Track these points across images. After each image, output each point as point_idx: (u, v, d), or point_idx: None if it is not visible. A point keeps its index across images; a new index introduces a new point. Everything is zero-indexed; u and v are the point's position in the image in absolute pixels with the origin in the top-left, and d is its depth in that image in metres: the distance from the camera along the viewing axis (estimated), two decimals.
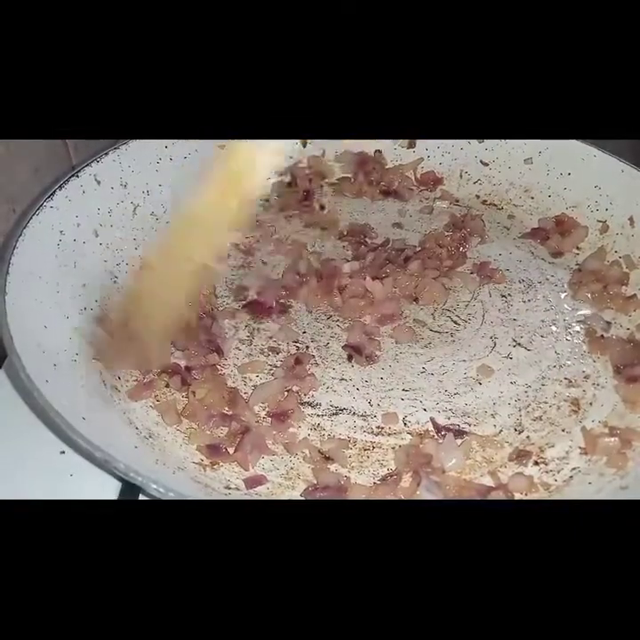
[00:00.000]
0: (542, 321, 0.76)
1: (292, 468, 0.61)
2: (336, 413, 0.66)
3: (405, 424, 0.65)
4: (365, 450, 0.63)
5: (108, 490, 0.61)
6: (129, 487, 0.61)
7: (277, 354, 0.71)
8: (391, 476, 0.60)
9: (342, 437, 0.63)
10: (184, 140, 0.91)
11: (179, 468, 0.59)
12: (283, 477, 0.60)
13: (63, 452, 0.64)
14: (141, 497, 0.60)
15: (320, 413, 0.66)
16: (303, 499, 0.58)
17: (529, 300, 0.79)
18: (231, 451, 0.61)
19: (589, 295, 0.78)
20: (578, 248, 0.86)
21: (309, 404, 0.67)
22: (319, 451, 0.61)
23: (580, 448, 0.63)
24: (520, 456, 0.61)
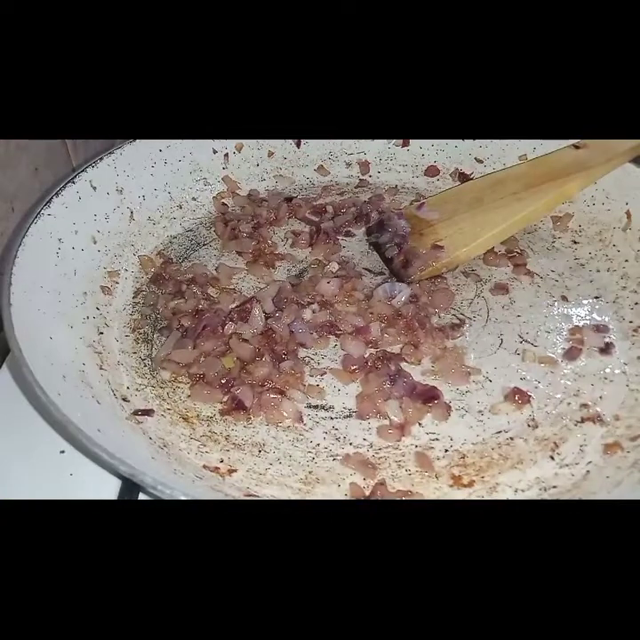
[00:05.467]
0: (546, 317, 0.77)
1: (310, 473, 0.61)
2: (349, 416, 0.66)
3: (420, 425, 0.65)
4: (381, 449, 0.63)
5: (108, 489, 0.61)
6: (128, 486, 0.60)
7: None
8: None
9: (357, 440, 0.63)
10: (178, 143, 0.90)
11: (197, 477, 0.59)
12: (301, 482, 0.60)
13: (63, 452, 0.63)
14: (141, 496, 0.60)
15: (334, 416, 0.66)
16: (306, 499, 0.58)
17: (531, 296, 0.80)
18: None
19: None
20: (576, 242, 0.87)
21: (323, 407, 0.66)
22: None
23: (593, 442, 0.63)
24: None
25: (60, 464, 0.63)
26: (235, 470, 0.61)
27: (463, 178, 0.97)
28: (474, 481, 0.60)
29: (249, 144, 0.96)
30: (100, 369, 0.68)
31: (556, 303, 0.79)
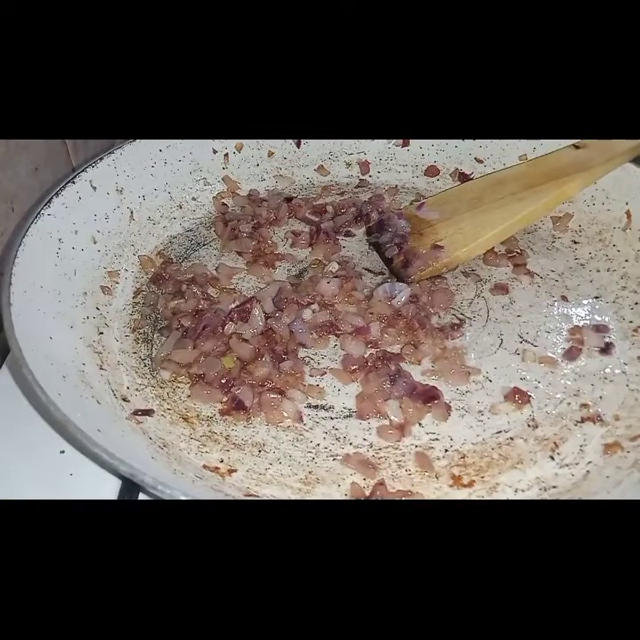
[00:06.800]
0: (546, 317, 0.77)
1: (310, 473, 0.61)
2: (349, 416, 0.66)
3: (420, 425, 0.65)
4: (381, 449, 0.63)
5: (108, 489, 0.61)
6: (128, 486, 0.60)
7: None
8: None
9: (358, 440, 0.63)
10: (178, 144, 0.90)
11: (197, 477, 0.58)
12: (301, 482, 0.60)
13: (63, 452, 0.64)
14: (141, 496, 0.60)
15: (334, 416, 0.66)
16: (306, 499, 0.58)
17: (531, 296, 0.80)
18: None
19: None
20: (576, 242, 0.87)
21: (323, 407, 0.66)
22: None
23: (593, 442, 0.63)
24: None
25: (60, 464, 0.63)
26: (235, 470, 0.61)
27: (463, 178, 0.97)
28: (474, 481, 0.60)
29: (249, 144, 0.96)
30: (100, 369, 0.68)
31: (555, 303, 0.79)
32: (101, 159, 0.82)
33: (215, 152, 0.94)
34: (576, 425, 0.65)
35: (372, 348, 0.72)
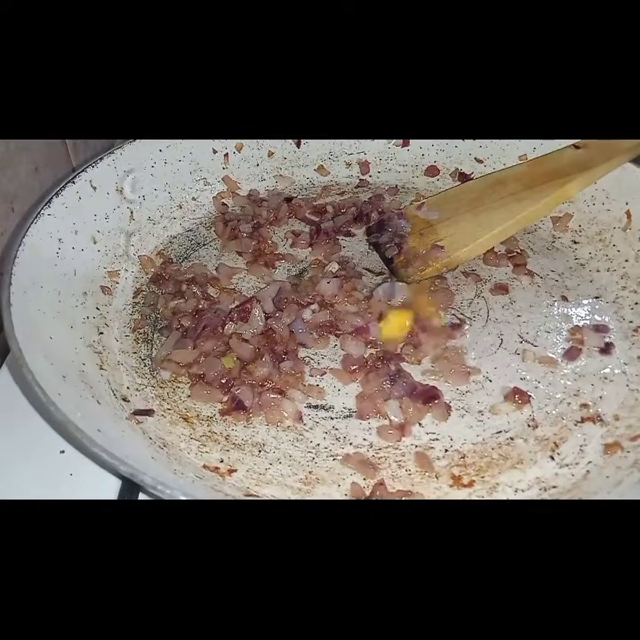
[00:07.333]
0: (546, 317, 0.77)
1: (310, 473, 0.61)
2: (349, 416, 0.66)
3: (420, 425, 0.65)
4: (381, 449, 0.63)
5: (108, 489, 0.61)
6: (128, 486, 0.60)
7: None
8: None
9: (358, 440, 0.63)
10: (178, 143, 0.90)
11: (197, 477, 0.59)
12: (301, 482, 0.60)
13: (63, 452, 0.64)
14: (141, 496, 0.60)
15: (334, 416, 0.66)
16: (306, 499, 0.58)
17: (531, 296, 0.80)
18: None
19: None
20: (576, 242, 0.87)
21: (323, 407, 0.66)
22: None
23: (593, 442, 0.63)
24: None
25: (60, 464, 0.63)
26: (235, 470, 0.61)
27: (463, 178, 0.97)
28: (474, 481, 0.60)
29: (249, 144, 0.96)
30: (100, 369, 0.68)
31: (556, 303, 0.79)
32: (101, 159, 0.82)
33: (215, 152, 0.94)
34: (576, 425, 0.65)
35: (371, 348, 0.72)
